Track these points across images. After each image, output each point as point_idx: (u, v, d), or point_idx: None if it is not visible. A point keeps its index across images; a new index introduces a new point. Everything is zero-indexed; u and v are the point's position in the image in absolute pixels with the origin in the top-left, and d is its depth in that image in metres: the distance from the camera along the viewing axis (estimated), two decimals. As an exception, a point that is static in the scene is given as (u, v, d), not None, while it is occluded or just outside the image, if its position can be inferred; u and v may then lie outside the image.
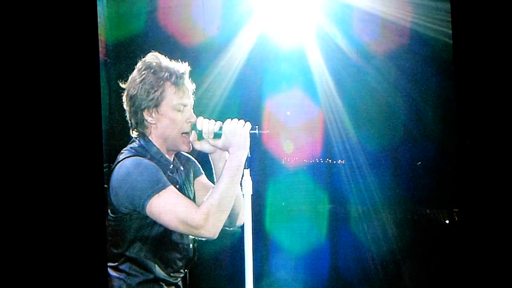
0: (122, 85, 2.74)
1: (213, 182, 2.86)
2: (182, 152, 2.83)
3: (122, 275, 2.69)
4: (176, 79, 2.72)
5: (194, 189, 2.84)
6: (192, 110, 2.75)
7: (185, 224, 2.61)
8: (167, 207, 2.62)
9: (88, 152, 2.75)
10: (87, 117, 2.67)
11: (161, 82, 2.70)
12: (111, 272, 2.71)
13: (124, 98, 2.75)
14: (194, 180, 2.87)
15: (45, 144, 2.68)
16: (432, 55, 3.15)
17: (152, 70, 2.69)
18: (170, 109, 2.73)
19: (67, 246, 2.71)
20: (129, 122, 2.75)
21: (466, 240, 2.98)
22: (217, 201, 2.62)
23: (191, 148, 2.77)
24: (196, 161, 2.89)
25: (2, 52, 2.61)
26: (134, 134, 2.76)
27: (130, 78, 2.74)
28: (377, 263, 3.19)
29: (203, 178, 2.91)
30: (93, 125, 2.69)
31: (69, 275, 2.70)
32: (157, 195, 2.62)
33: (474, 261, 2.85)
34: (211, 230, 2.63)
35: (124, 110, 2.75)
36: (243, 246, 2.80)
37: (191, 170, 2.86)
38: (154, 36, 2.95)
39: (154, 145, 2.71)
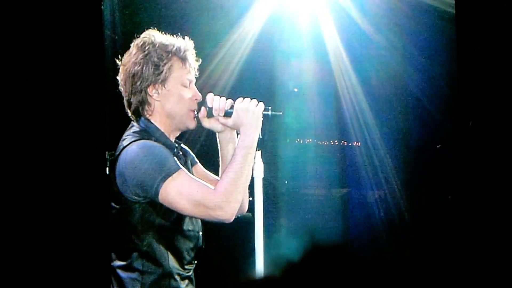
0: (119, 63, 2.58)
1: (218, 165, 2.72)
2: (176, 140, 2.69)
3: (135, 275, 2.51)
4: (183, 54, 2.57)
5: (194, 175, 2.70)
6: (196, 88, 2.61)
7: (202, 206, 2.44)
8: (182, 190, 2.45)
9: (88, 140, 2.60)
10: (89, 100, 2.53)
11: (169, 55, 2.54)
12: (121, 273, 2.53)
13: (121, 78, 2.57)
14: (192, 168, 2.73)
15: (43, 131, 2.53)
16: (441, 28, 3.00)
17: (156, 45, 2.54)
18: (178, 84, 2.57)
19: (66, 246, 2.53)
20: (127, 103, 2.58)
21: (481, 227, 2.84)
22: (233, 180, 2.47)
23: (197, 125, 2.62)
24: (189, 150, 2.76)
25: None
26: (133, 117, 2.59)
27: (127, 56, 2.56)
28: (393, 249, 3.06)
29: (199, 166, 2.77)
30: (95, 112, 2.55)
31: (70, 279, 2.52)
32: (170, 177, 2.44)
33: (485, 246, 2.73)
34: (229, 211, 2.45)
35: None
36: (252, 233, 2.65)
37: (189, 158, 2.72)
38: (161, 11, 2.80)
39: (157, 128, 2.56)
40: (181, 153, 2.66)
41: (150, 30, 2.60)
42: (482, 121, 2.68)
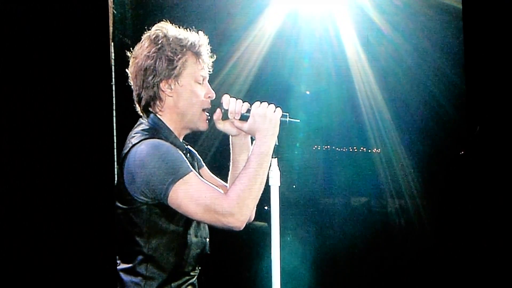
0: (130, 54, 2.47)
1: (228, 171, 2.61)
2: (183, 142, 2.57)
3: (137, 279, 2.40)
4: (198, 49, 2.46)
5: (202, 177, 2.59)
6: (209, 85, 2.49)
7: (212, 212, 2.34)
8: (193, 194, 2.34)
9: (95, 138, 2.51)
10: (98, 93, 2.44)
11: (184, 49, 2.44)
12: (124, 276, 2.41)
13: (132, 71, 2.46)
14: (198, 171, 2.61)
15: (48, 129, 2.45)
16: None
17: (171, 38, 2.43)
18: (191, 80, 2.47)
19: (71, 246, 2.44)
20: (137, 98, 2.47)
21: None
22: (246, 187, 2.36)
23: (208, 127, 2.50)
24: (196, 152, 2.64)
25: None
26: (143, 113, 2.47)
27: (139, 49, 2.45)
28: (414, 260, 2.93)
29: (205, 170, 2.68)
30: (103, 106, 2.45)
31: (75, 280, 2.43)
32: (181, 180, 2.34)
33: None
34: (240, 218, 2.35)
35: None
36: (262, 241, 2.53)
37: (195, 160, 2.60)
38: (176, 7, 2.71)
39: (167, 126, 2.44)
40: (188, 155, 2.55)
41: (162, 22, 2.49)
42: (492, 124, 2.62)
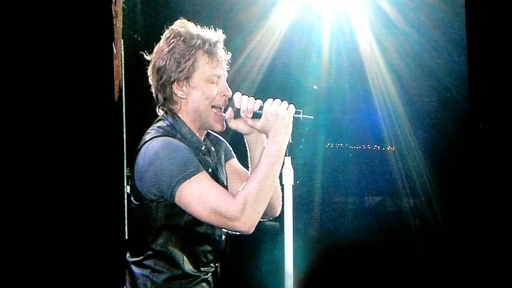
0: (148, 57, 2.44)
1: (247, 168, 2.55)
2: (212, 132, 2.53)
3: (146, 272, 2.40)
4: (209, 47, 2.40)
5: (226, 173, 2.54)
6: (226, 83, 2.44)
7: (218, 215, 2.31)
8: (199, 195, 2.31)
9: (107, 134, 2.51)
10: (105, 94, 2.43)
11: (193, 50, 2.39)
12: (134, 268, 2.41)
13: (149, 71, 2.45)
14: (225, 163, 2.56)
15: (60, 125, 2.46)
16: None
17: (182, 38, 2.39)
18: (203, 81, 2.43)
19: (83, 239, 2.46)
20: (155, 97, 2.44)
21: None
22: (255, 191, 2.32)
23: (225, 127, 2.45)
24: (227, 143, 2.59)
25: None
26: (160, 111, 2.45)
27: (156, 48, 2.44)
28: (429, 260, 2.87)
29: (234, 161, 2.62)
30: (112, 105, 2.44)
31: (84, 270, 2.45)
32: (188, 180, 2.31)
33: None
34: (247, 223, 2.32)
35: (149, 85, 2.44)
36: (279, 239, 2.48)
37: (222, 152, 2.57)
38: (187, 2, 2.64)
39: (185, 124, 2.42)
40: (213, 148, 2.51)
41: (181, 20, 2.44)
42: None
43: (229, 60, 2.45)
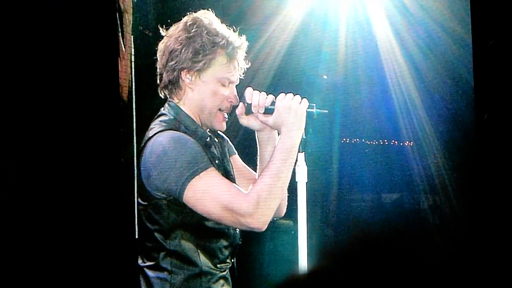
0: (163, 33, 2.39)
1: (256, 166, 2.50)
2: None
3: (163, 274, 2.37)
4: (231, 51, 2.36)
5: (232, 165, 2.50)
6: (235, 91, 2.40)
7: (230, 212, 2.27)
8: (210, 191, 2.27)
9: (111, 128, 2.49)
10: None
11: (215, 47, 2.35)
12: (149, 272, 2.37)
13: (160, 48, 2.40)
14: (229, 158, 2.53)
15: (64, 120, 2.43)
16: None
17: (206, 31, 2.35)
18: (214, 80, 2.39)
19: (91, 244, 2.43)
20: (159, 76, 2.40)
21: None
22: (268, 186, 2.28)
23: (225, 128, 2.41)
24: (227, 138, 2.54)
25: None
26: (162, 93, 2.40)
27: (173, 30, 2.40)
28: (448, 263, 2.76)
29: (237, 158, 2.60)
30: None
31: (95, 279, 2.41)
32: (197, 176, 2.28)
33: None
34: (260, 219, 2.29)
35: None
36: (293, 238, 2.44)
37: (226, 146, 2.51)
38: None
39: (187, 115, 2.36)
40: (216, 140, 2.46)
41: (205, 11, 2.40)
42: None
43: (245, 69, 2.42)
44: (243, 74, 2.43)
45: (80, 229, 2.42)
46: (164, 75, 2.38)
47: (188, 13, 2.40)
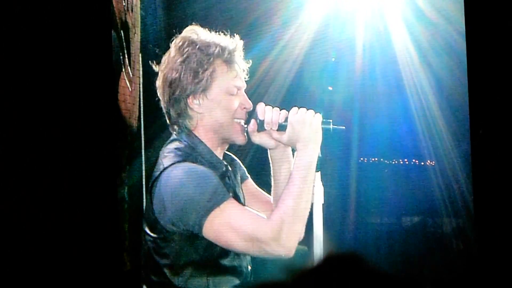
0: (156, 68, 2.29)
1: (269, 187, 2.41)
2: (227, 152, 2.41)
3: None
4: (228, 56, 2.26)
5: (243, 194, 2.37)
6: (246, 95, 2.28)
7: (255, 241, 2.18)
8: (232, 223, 2.18)
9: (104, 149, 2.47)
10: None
11: (211, 59, 2.24)
12: None
13: (159, 85, 2.30)
14: (241, 184, 2.41)
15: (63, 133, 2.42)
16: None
17: (197, 46, 2.25)
18: (222, 93, 2.29)
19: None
20: (166, 114, 2.30)
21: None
22: (291, 208, 2.19)
23: (247, 140, 2.29)
24: (241, 163, 2.43)
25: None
26: (174, 130, 2.29)
27: (165, 59, 2.31)
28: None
29: (250, 182, 2.51)
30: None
31: None
32: (218, 208, 2.19)
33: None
34: (287, 244, 2.18)
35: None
36: (308, 263, 2.28)
37: (238, 172, 2.40)
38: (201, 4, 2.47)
39: (202, 142, 2.25)
40: (230, 169, 2.34)
41: (192, 26, 2.28)
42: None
43: (247, 69, 2.30)
44: (247, 75, 2.35)
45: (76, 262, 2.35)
46: (171, 111, 2.29)
47: (174, 36, 2.31)
